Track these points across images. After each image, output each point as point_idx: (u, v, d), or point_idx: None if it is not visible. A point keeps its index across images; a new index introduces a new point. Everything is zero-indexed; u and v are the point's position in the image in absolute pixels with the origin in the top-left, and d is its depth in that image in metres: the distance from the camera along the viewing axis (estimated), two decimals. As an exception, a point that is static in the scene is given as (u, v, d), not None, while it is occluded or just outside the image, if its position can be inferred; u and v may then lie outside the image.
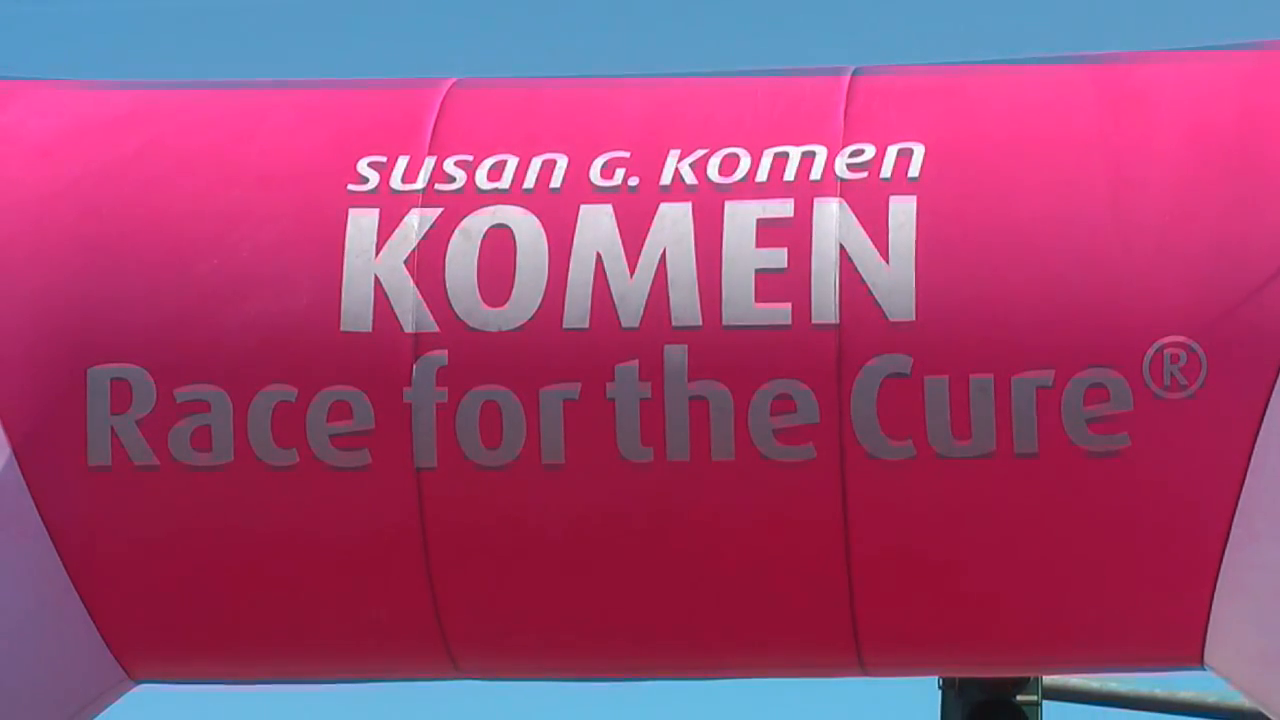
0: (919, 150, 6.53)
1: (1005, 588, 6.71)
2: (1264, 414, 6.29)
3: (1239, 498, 6.36)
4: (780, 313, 6.38)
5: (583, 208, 6.52)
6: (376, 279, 6.54)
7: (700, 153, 6.60)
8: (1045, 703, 16.23)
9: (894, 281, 6.37)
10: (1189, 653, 6.72)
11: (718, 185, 6.53)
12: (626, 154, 6.64)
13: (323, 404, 6.49)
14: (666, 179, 6.56)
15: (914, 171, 6.50)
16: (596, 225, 6.51)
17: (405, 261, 6.55)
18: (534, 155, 6.67)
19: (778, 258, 6.41)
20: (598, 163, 6.63)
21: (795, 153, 6.55)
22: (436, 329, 6.50)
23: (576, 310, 6.44)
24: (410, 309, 6.50)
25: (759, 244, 6.43)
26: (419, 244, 6.56)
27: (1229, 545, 6.38)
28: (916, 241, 6.41)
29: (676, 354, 6.39)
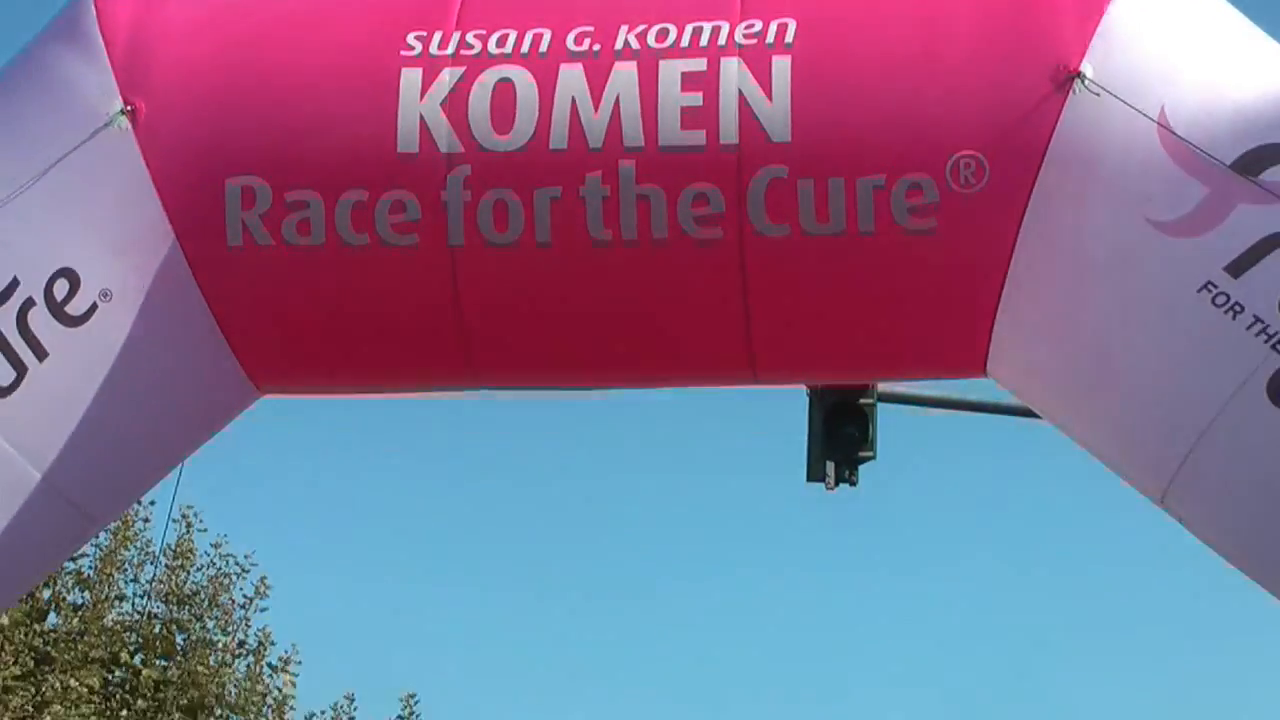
0: (793, 23, 7.79)
1: (848, 321, 7.96)
2: (1028, 203, 7.63)
3: (1010, 262, 7.70)
4: (698, 137, 7.71)
5: (562, 67, 7.79)
6: (421, 116, 7.79)
7: (642, 27, 7.85)
8: (879, 404, 18.02)
9: (776, 115, 7.70)
10: (976, 367, 8.17)
11: (655, 50, 7.79)
12: (591, 28, 7.86)
13: (386, 203, 7.77)
14: (619, 46, 7.81)
15: (789, 39, 7.77)
16: (571, 79, 7.77)
17: (441, 104, 7.78)
18: (528, 29, 7.87)
19: (695, 99, 7.73)
20: (571, 34, 7.85)
21: (707, 26, 7.84)
22: (462, 150, 7.75)
23: (559, 137, 7.74)
24: (445, 137, 7.77)
25: (683, 90, 7.75)
26: (449, 93, 7.80)
27: (1003, 295, 7.77)
28: (791, 88, 7.71)
29: (628, 167, 7.73)
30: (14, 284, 7.72)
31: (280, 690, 26.36)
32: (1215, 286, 7.34)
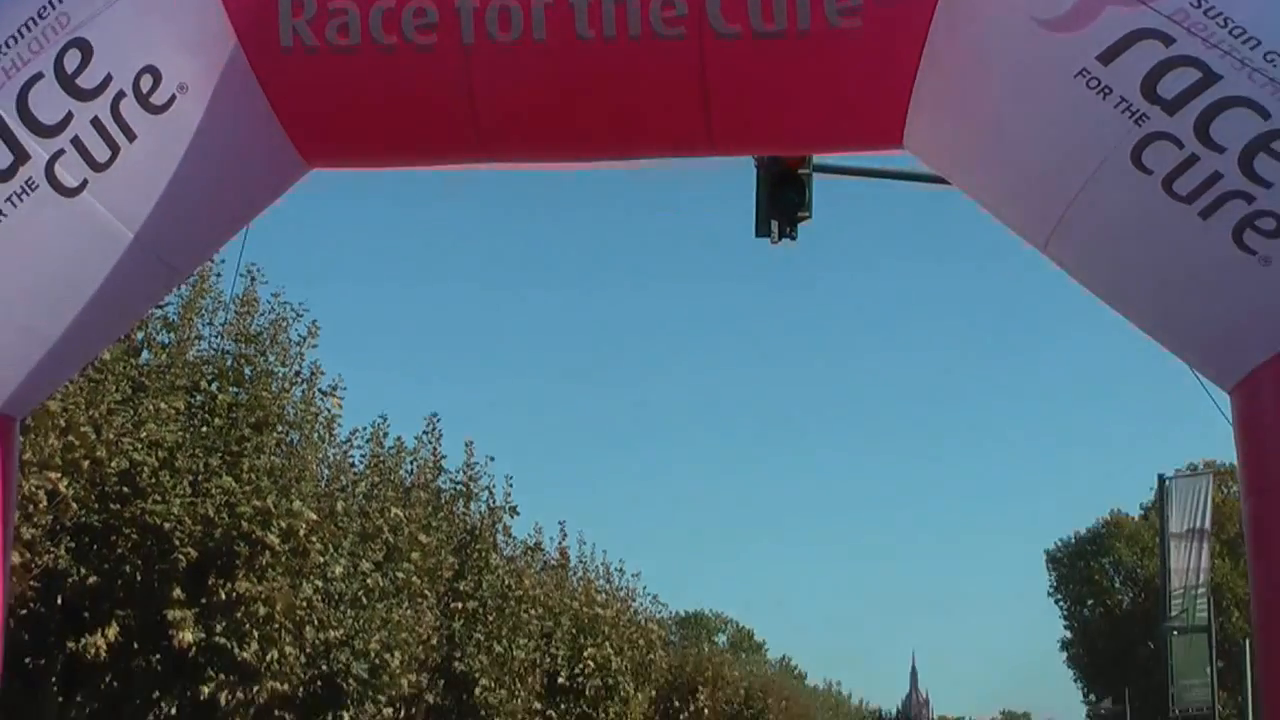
0: None
1: (788, 105, 7.95)
2: (936, 5, 7.59)
3: (922, 55, 7.69)
4: None
5: None
6: None
7: None
8: (815, 174, 18.15)
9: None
10: (894, 141, 8.22)
11: None
12: None
13: (410, 9, 7.70)
14: None
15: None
16: None
17: None
18: None
19: (664, -77, 7.70)
20: None
21: None
22: None
23: None
24: (458, -45, 7.64)
25: None
26: None
27: (916, 82, 7.78)
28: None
29: None
30: (108, 79, 7.65)
31: (329, 411, 26.88)
32: (1089, 72, 7.36)
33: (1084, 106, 7.37)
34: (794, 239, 18.47)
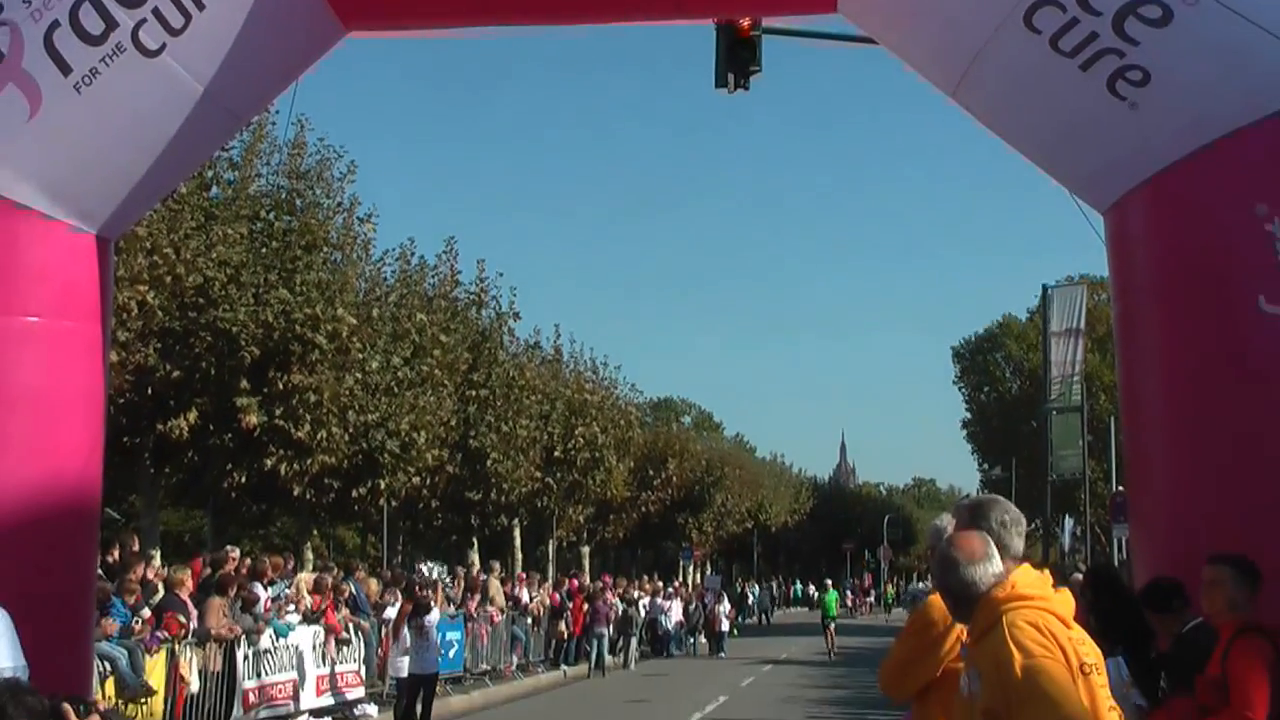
0: None
1: None
2: None
3: None
4: None
5: None
6: None
7: None
8: (764, 35, 17.97)
9: None
10: (829, 7, 8.00)
11: None
12: None
13: None
14: None
15: None
16: None
17: None
18: None
19: None
20: None
21: None
22: None
23: None
24: None
25: None
26: None
27: None
28: None
29: None
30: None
31: (365, 235, 26.87)
32: (987, -50, 7.20)
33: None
34: (747, 88, 18.46)
